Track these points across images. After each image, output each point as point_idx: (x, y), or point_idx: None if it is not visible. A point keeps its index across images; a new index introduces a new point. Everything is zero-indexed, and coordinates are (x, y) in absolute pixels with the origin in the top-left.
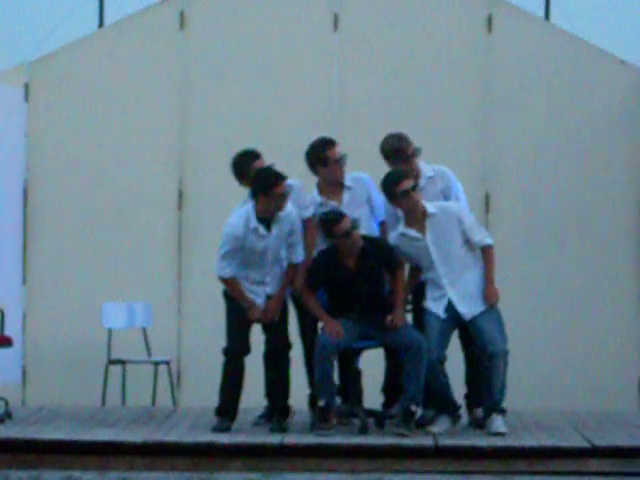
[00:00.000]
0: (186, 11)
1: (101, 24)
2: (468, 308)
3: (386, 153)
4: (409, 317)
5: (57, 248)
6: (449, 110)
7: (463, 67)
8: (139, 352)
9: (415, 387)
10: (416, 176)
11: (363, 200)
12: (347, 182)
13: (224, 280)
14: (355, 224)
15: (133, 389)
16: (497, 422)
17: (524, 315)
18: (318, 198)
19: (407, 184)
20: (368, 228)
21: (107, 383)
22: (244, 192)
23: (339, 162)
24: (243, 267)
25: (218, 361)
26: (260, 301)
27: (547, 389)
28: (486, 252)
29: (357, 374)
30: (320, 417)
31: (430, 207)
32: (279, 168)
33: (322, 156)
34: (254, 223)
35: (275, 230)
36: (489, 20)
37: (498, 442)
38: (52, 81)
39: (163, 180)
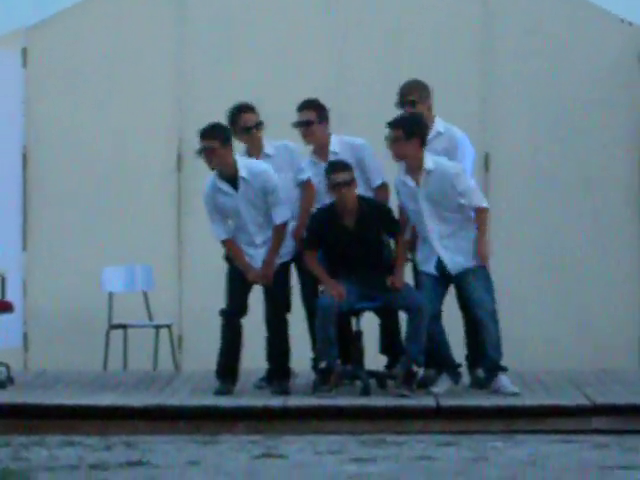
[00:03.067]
0: None
1: None
2: (454, 264)
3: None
4: (410, 278)
5: (57, 214)
6: (448, 75)
7: (461, 30)
8: (140, 316)
9: (416, 347)
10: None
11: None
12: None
13: (222, 242)
14: (354, 180)
15: (134, 353)
16: (504, 381)
17: (524, 276)
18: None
19: (397, 133)
20: None
21: (108, 347)
22: (241, 150)
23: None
24: (234, 229)
25: (219, 324)
26: (257, 264)
27: (548, 348)
28: (479, 214)
29: (358, 335)
30: (321, 379)
31: (429, 162)
32: (281, 131)
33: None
34: (218, 182)
35: (242, 188)
36: None
37: (499, 402)
38: (50, 46)
39: (162, 143)
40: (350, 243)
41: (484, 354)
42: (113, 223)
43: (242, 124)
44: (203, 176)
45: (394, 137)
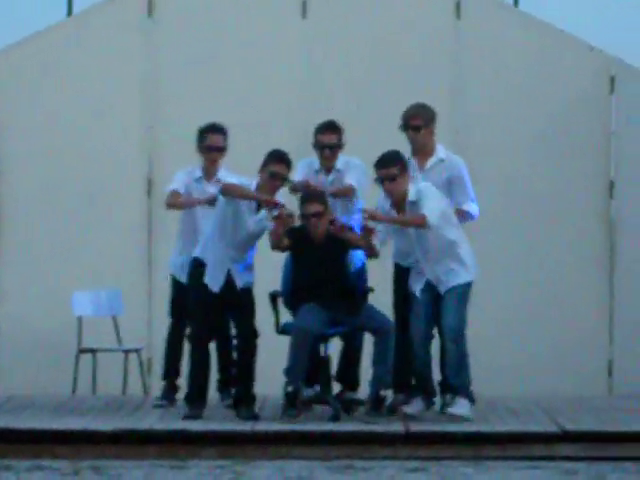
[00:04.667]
0: None
1: (70, 12)
2: (440, 286)
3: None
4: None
5: (27, 236)
6: (419, 97)
7: (432, 53)
8: (109, 340)
9: (383, 370)
10: (428, 153)
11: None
12: (339, 165)
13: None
14: (325, 214)
15: (104, 377)
16: (458, 404)
17: (493, 301)
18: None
19: (386, 172)
20: None
21: (78, 372)
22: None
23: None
24: (224, 242)
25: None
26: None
27: (516, 374)
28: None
29: (325, 361)
30: (288, 403)
31: (412, 194)
32: (249, 155)
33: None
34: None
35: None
36: (457, 6)
37: (469, 427)
38: (20, 69)
39: (133, 167)
40: (319, 264)
41: (449, 377)
42: (83, 247)
43: (207, 143)
44: None
45: (391, 175)
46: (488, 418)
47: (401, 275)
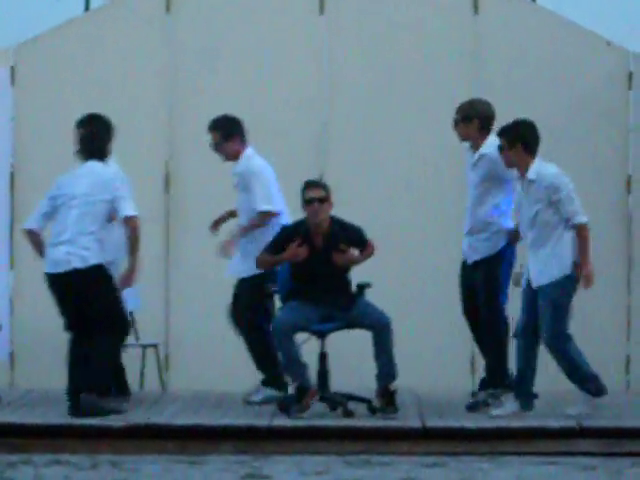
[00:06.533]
0: None
1: (87, 7)
2: (535, 279)
3: (491, 116)
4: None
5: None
6: (436, 93)
7: (449, 50)
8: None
9: (388, 364)
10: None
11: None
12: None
13: None
14: (325, 199)
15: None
16: (577, 403)
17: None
18: None
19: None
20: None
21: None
22: (231, 178)
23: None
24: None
25: (207, 343)
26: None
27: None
28: (579, 231)
29: (323, 357)
30: (296, 399)
31: (531, 172)
32: (267, 151)
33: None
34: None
35: None
36: (475, 1)
37: (486, 423)
38: (38, 64)
39: (150, 163)
40: (318, 263)
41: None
42: None
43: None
44: (191, 196)
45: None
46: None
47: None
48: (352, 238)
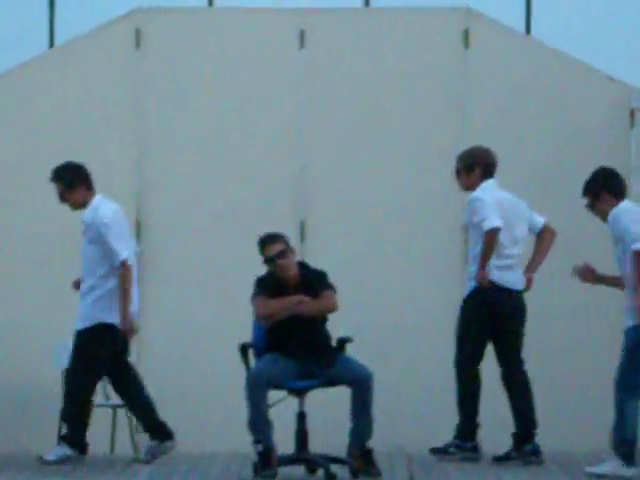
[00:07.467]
0: (142, 28)
1: (51, 44)
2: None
3: (492, 164)
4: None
5: (6, 286)
6: (422, 131)
7: (438, 85)
8: (97, 395)
9: (367, 421)
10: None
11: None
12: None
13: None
14: (288, 250)
15: (90, 435)
16: (606, 462)
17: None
18: None
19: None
20: None
21: (61, 429)
22: (205, 221)
23: None
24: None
25: (181, 404)
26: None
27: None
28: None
29: (302, 417)
30: (262, 463)
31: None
32: (245, 192)
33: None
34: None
35: None
36: (466, 35)
37: None
38: (1, 104)
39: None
40: (293, 315)
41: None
42: (68, 295)
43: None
44: (163, 245)
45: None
46: (499, 474)
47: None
48: (319, 280)
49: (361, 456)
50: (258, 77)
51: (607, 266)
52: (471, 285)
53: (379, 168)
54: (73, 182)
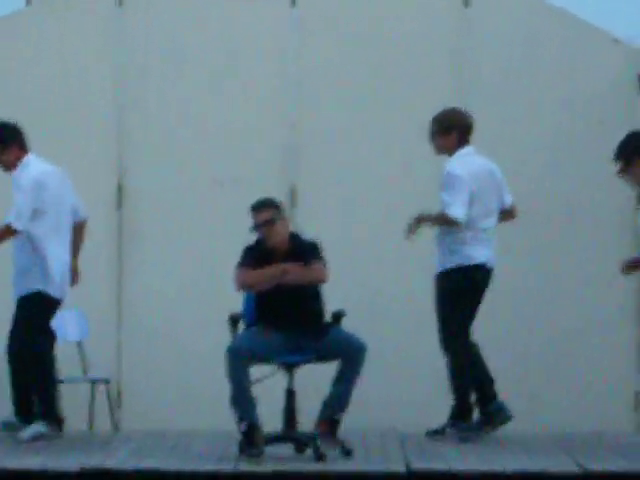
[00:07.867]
0: None
1: (29, 0)
2: None
3: (469, 126)
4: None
5: None
6: (422, 93)
7: (436, 45)
8: (74, 369)
9: (346, 392)
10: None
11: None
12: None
13: None
14: (277, 218)
15: (68, 411)
16: None
17: (512, 330)
18: None
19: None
20: None
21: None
22: (190, 184)
23: None
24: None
25: (164, 378)
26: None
27: (535, 408)
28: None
29: (290, 394)
30: (246, 442)
31: None
32: (233, 154)
33: None
34: None
35: None
36: None
37: (479, 466)
38: None
39: (101, 177)
40: (281, 287)
41: None
42: None
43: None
44: (145, 212)
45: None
46: (500, 456)
47: None
48: (311, 250)
49: (330, 425)
50: (246, 36)
51: (616, 233)
52: (444, 264)
53: (376, 132)
54: (5, 141)
